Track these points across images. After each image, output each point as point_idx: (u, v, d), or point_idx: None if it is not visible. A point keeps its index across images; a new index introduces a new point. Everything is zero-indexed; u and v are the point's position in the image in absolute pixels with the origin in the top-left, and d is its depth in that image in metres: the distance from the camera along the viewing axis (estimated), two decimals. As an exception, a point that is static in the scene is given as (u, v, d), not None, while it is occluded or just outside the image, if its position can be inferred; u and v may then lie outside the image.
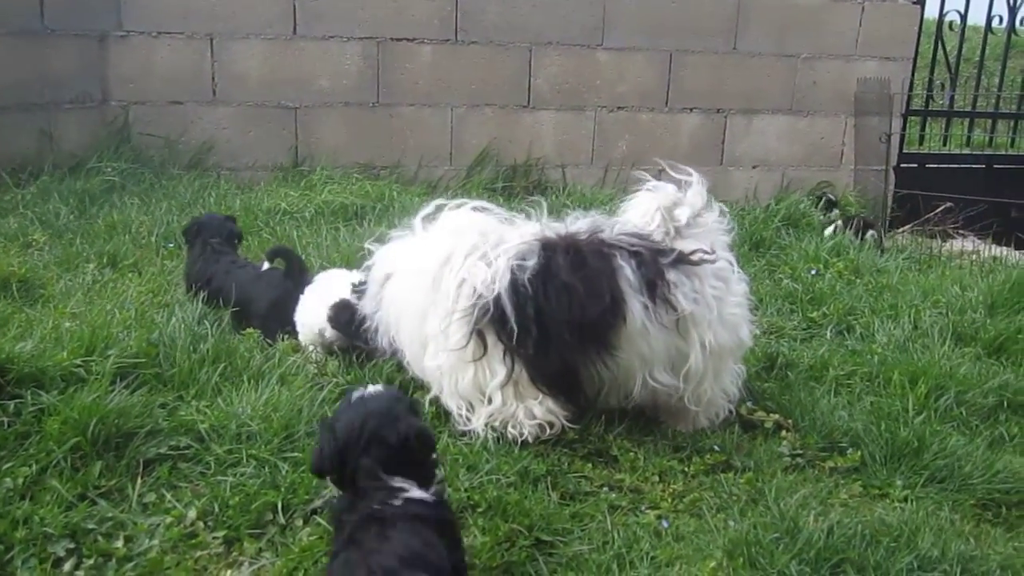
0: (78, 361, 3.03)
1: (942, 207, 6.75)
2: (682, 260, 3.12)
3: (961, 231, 6.73)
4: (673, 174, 3.34)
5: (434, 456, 2.17)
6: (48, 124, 5.87)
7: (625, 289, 3.02)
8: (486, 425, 3.04)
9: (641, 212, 3.27)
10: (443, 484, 2.41)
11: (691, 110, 6.94)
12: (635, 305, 3.03)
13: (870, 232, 6.15)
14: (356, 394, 2.16)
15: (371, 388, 2.18)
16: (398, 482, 2.03)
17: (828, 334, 4.27)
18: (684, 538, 2.62)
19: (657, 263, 3.08)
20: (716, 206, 3.34)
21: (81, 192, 5.36)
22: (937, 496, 2.99)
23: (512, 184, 6.57)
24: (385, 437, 2.05)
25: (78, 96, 5.98)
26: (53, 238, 4.73)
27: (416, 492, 2.03)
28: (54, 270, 4.24)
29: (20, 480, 2.51)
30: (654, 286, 3.05)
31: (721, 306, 3.17)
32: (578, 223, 3.23)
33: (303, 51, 6.29)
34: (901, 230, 6.68)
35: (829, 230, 6.14)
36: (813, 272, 5.05)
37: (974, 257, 5.94)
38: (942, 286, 4.89)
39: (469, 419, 3.07)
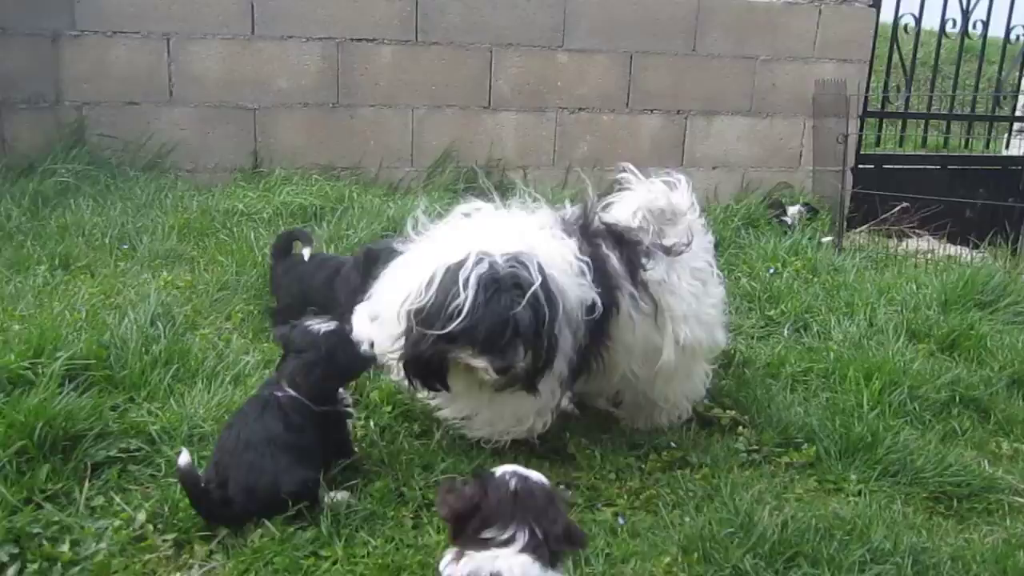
0: (25, 363, 2.98)
1: (898, 207, 6.85)
2: (659, 249, 3.11)
3: (917, 231, 6.83)
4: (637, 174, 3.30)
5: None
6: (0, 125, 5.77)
7: (615, 278, 3.02)
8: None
9: (625, 209, 3.23)
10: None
11: (652, 111, 6.97)
12: (624, 294, 3.03)
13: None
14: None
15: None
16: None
17: (785, 332, 4.31)
18: (640, 534, 2.63)
19: (636, 251, 3.08)
20: (699, 208, 3.33)
21: (34, 194, 5.25)
22: (890, 489, 3.03)
23: (474, 185, 6.53)
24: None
25: (31, 96, 5.88)
26: (3, 240, 4.63)
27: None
28: (3, 272, 4.15)
29: (-38, 485, 2.45)
30: (635, 274, 3.05)
31: (698, 304, 3.17)
32: (565, 213, 3.18)
33: (261, 51, 6.23)
34: (858, 230, 6.76)
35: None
36: (771, 271, 5.09)
37: (929, 256, 6.02)
38: (897, 284, 4.96)
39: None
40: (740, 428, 3.30)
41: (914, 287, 4.87)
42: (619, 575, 2.40)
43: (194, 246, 4.74)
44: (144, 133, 6.11)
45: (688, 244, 3.16)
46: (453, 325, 2.59)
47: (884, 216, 6.83)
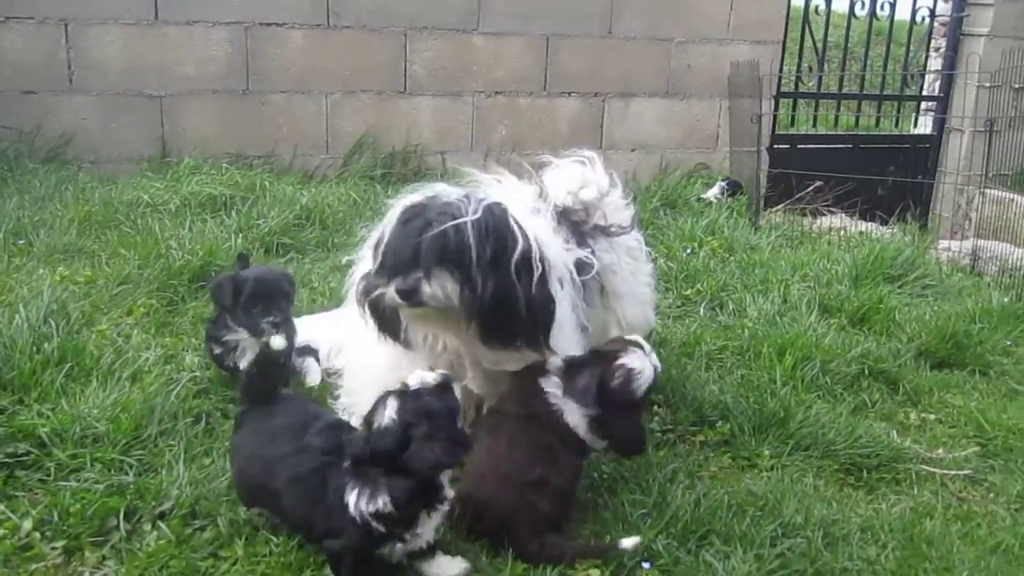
0: (-99, 367, 2.80)
1: (813, 186, 6.96)
2: (602, 231, 3.05)
3: (831, 208, 6.96)
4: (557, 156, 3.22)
5: None
6: None
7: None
8: None
9: (550, 191, 3.08)
10: None
11: (569, 94, 6.95)
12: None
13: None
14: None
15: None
16: None
17: (701, 310, 4.32)
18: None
19: (582, 232, 3.00)
20: (619, 184, 3.27)
21: (-80, 188, 4.99)
22: (802, 463, 3.05)
23: (391, 171, 6.44)
24: None
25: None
26: None
27: None
28: None
29: None
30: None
31: (635, 283, 3.15)
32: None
33: (166, 37, 6.00)
34: (774, 209, 6.85)
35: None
36: (688, 251, 5.11)
37: (842, 233, 6.13)
38: (811, 261, 5.03)
39: None
40: (655, 408, 3.29)
41: (827, 263, 4.95)
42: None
43: (95, 240, 4.53)
44: (42, 123, 5.84)
45: (629, 225, 3.13)
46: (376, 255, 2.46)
47: (799, 195, 6.95)
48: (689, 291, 4.53)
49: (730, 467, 3.01)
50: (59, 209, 4.88)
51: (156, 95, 6.08)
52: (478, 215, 2.41)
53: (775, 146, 7.54)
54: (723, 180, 6.83)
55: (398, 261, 2.38)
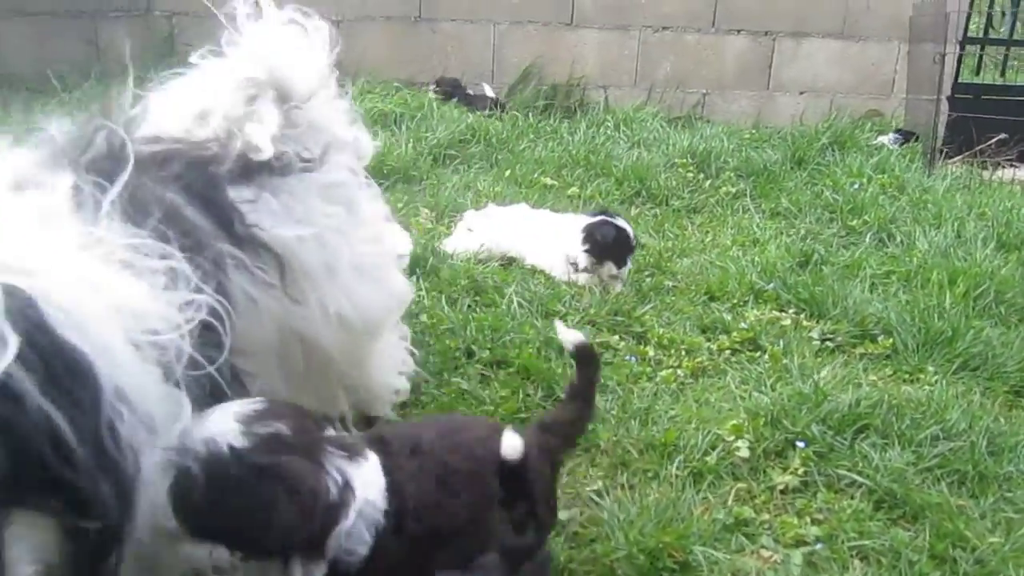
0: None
1: (996, 138, 6.54)
2: (258, 169, 1.81)
3: (1015, 164, 6.52)
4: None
5: None
6: (94, 32, 5.96)
7: (195, 239, 1.60)
8: None
9: (178, 111, 1.89)
10: None
11: (738, 32, 6.79)
12: (223, 263, 1.65)
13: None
14: None
15: None
16: None
17: (867, 240, 4.19)
18: (706, 403, 2.61)
19: (213, 180, 1.73)
20: (337, 85, 2.15)
21: (128, 98, 5.44)
22: (968, 382, 2.93)
23: (553, 103, 6.51)
24: None
25: (125, 5, 6.05)
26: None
27: None
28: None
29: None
30: (228, 222, 1.70)
31: (347, 244, 1.94)
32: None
33: (342, -37, 6.27)
34: (951, 161, 6.49)
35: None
36: (855, 186, 4.94)
37: (1026, 184, 5.76)
38: (990, 201, 4.77)
39: None
40: (812, 319, 3.24)
41: (1007, 204, 4.68)
42: (682, 432, 2.39)
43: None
44: (230, 44, 6.23)
45: (317, 157, 1.92)
46: None
47: (980, 147, 6.54)
48: (854, 222, 4.38)
49: (891, 378, 2.93)
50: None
51: (334, 19, 6.31)
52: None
53: (957, 96, 7.10)
54: (896, 131, 6.52)
55: None
